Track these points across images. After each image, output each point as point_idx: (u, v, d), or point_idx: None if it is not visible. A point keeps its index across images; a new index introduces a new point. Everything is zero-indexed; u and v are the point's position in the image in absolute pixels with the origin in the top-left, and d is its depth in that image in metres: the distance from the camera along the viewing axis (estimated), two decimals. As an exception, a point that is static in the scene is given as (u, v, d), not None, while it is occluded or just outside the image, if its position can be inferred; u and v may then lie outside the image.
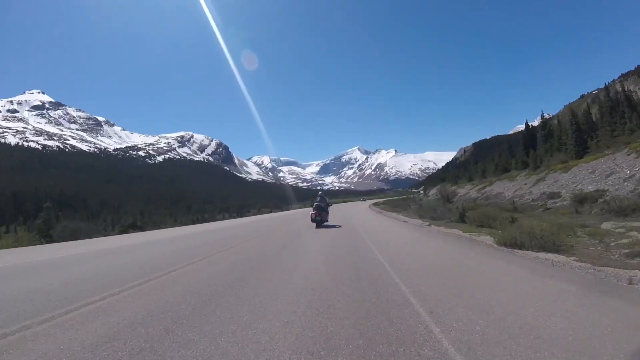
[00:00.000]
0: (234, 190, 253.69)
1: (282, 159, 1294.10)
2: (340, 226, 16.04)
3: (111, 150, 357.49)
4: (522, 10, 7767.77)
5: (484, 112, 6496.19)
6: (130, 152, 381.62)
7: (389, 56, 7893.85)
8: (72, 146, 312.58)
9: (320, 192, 17.87)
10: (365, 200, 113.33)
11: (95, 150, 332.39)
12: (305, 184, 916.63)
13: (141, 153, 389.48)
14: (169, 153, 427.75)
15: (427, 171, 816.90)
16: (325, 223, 16.64)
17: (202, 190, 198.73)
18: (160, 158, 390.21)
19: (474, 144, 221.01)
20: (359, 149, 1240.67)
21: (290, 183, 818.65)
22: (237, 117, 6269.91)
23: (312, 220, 16.03)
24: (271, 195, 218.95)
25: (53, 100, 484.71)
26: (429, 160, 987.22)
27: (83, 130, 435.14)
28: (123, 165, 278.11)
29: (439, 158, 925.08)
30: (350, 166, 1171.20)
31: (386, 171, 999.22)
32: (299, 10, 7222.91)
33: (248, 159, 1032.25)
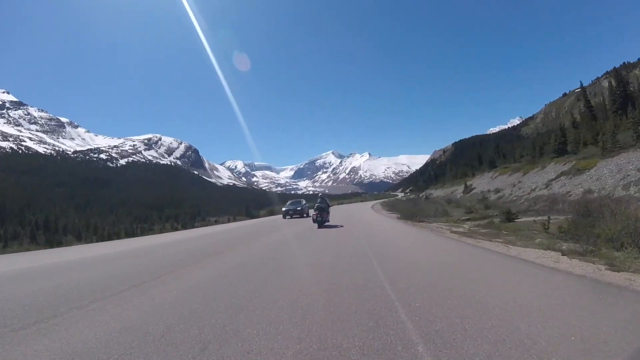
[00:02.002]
0: (200, 195, 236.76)
1: (256, 163, 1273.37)
2: (341, 226, 16.25)
3: (70, 153, 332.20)
4: (497, 10, 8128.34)
5: (457, 115, 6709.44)
6: (91, 154, 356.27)
7: (362, 61, 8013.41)
8: (28, 148, 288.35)
9: (320, 194, 19.61)
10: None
11: (53, 152, 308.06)
12: (279, 188, 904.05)
13: (103, 156, 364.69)
14: (134, 156, 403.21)
15: (400, 174, 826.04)
16: (327, 223, 16.98)
17: (157, 195, 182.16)
18: (123, 161, 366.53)
19: (454, 144, 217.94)
20: (333, 153, 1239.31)
21: (264, 188, 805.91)
22: (211, 122, 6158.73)
23: (314, 221, 16.36)
24: (241, 200, 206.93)
25: (15, 100, 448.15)
26: (403, 164, 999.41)
27: (44, 132, 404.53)
28: (78, 169, 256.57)
29: (413, 161, 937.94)
30: (325, 170, 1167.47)
31: (360, 175, 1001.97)
32: (274, 12, 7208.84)
33: (221, 164, 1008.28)
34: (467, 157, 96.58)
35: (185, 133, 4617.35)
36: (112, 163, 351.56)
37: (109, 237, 29.44)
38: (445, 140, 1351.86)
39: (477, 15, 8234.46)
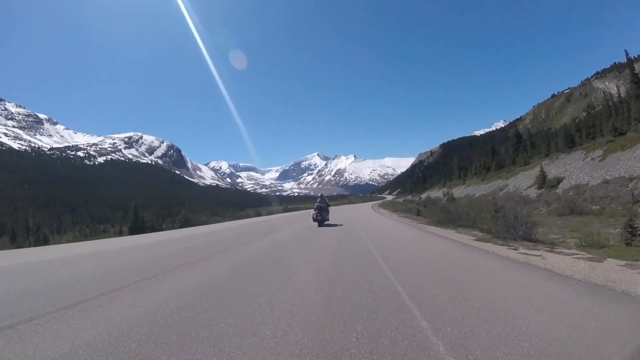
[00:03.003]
0: (176, 195, 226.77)
1: (241, 164, 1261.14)
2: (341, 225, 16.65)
3: (46, 150, 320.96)
4: (482, 14, 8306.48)
5: (442, 119, 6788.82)
6: (68, 152, 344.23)
7: (348, 63, 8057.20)
8: (2, 143, 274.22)
9: (320, 194, 19.47)
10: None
11: (27, 149, 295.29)
12: (264, 189, 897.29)
13: (80, 153, 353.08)
14: (113, 154, 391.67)
15: (386, 177, 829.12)
16: (327, 222, 17.40)
17: (126, 195, 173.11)
18: (101, 159, 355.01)
19: (442, 146, 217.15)
20: (318, 155, 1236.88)
21: (248, 189, 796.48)
22: (196, 122, 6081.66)
23: (314, 220, 16.89)
24: (221, 201, 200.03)
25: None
26: (388, 166, 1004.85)
27: (20, 128, 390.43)
28: (52, 166, 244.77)
29: (398, 164, 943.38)
30: (310, 172, 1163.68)
31: (345, 177, 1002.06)
32: (258, 13, 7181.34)
33: (206, 164, 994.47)
34: (459, 158, 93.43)
35: (170, 133, 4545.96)
36: (90, 161, 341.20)
37: (45, 241, 24.21)
38: (431, 143, 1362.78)
39: (462, 19, 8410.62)
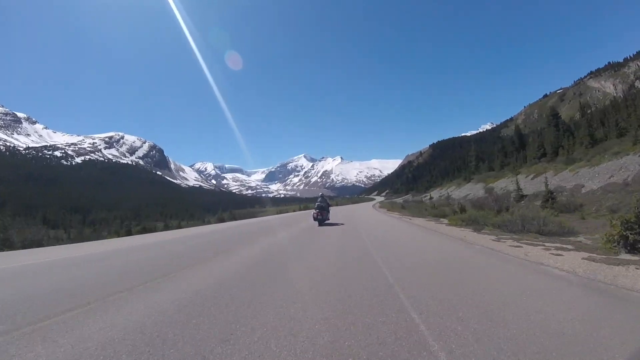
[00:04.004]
0: (152, 196, 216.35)
1: (227, 165, 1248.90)
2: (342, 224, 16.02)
3: (22, 149, 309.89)
4: (468, 18, 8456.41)
5: (429, 121, 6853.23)
6: (45, 152, 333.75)
7: (336, 66, 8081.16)
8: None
9: (321, 194, 18.70)
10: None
11: (2, 148, 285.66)
12: (249, 191, 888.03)
13: (57, 153, 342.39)
14: (92, 154, 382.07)
15: (373, 178, 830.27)
16: (327, 221, 17.19)
17: (91, 196, 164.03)
18: (79, 159, 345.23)
19: (431, 146, 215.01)
20: (305, 157, 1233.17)
21: (234, 190, 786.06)
22: (182, 123, 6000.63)
23: (315, 219, 16.60)
24: (203, 203, 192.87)
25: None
26: (375, 168, 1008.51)
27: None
28: (26, 166, 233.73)
29: (385, 166, 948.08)
30: (296, 173, 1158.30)
31: (332, 178, 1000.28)
32: (248, 13, 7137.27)
33: (191, 165, 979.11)
34: (449, 158, 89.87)
35: (155, 134, 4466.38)
36: (67, 161, 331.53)
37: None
38: (418, 145, 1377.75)
39: (450, 22, 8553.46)
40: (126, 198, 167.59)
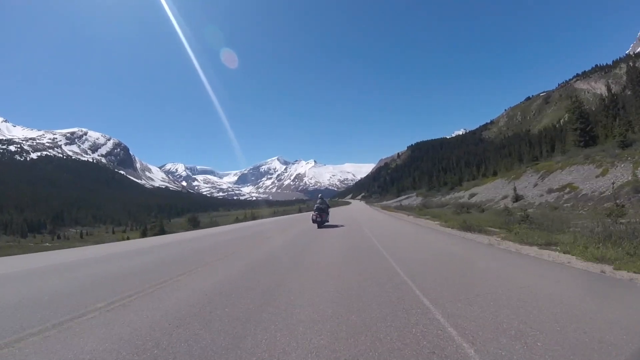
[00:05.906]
0: (98, 196, 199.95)
1: (198, 167, 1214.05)
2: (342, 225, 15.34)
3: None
4: (445, 16, 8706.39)
5: (402, 126, 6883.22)
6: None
7: (310, 69, 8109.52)
8: None
9: (320, 195, 18.42)
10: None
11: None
12: (221, 193, 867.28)
13: (12, 148, 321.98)
14: (50, 150, 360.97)
15: (346, 182, 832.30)
16: (327, 223, 16.99)
17: (44, 193, 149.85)
18: (34, 155, 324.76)
19: (410, 147, 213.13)
20: (278, 159, 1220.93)
21: (205, 192, 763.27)
22: (153, 123, 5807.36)
23: (314, 222, 16.23)
24: (167, 206, 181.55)
25: None
26: (348, 172, 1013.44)
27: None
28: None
29: (358, 170, 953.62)
30: (269, 176, 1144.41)
31: (305, 182, 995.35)
32: (213, 12, 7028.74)
33: (161, 166, 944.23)
34: (431, 160, 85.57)
35: (124, 132, 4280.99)
36: (21, 157, 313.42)
37: None
38: (392, 149, 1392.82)
39: (424, 26, 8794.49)
40: (57, 197, 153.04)
